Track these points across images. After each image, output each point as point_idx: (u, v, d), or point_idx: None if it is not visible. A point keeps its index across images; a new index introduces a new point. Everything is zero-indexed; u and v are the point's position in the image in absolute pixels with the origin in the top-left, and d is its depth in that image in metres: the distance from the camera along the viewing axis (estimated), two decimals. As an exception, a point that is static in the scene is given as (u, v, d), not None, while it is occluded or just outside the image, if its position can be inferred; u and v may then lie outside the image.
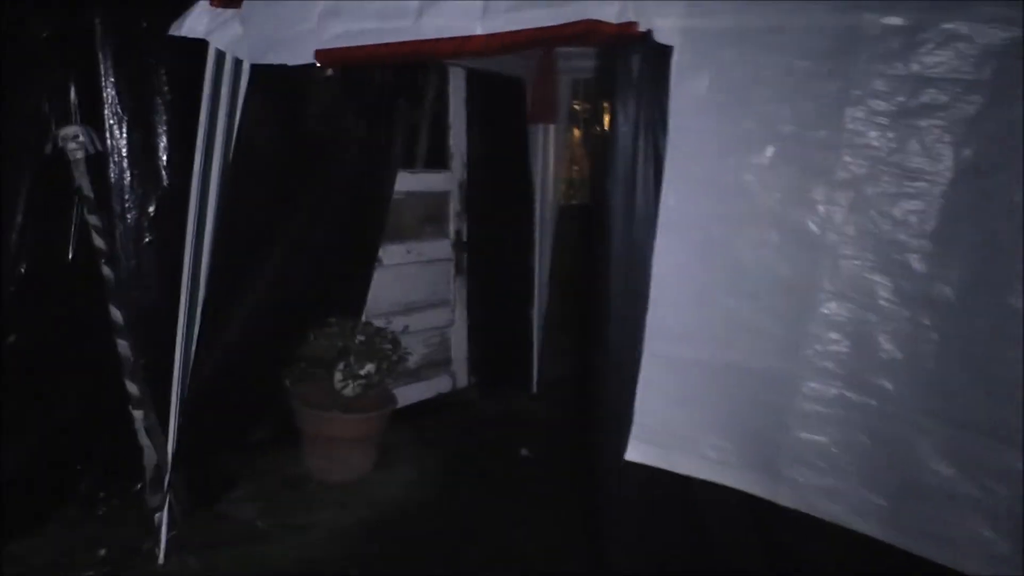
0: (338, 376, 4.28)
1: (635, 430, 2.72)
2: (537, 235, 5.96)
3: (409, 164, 5.36)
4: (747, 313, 2.54)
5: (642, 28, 2.53)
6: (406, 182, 5.18)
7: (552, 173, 5.95)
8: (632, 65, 2.60)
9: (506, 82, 5.57)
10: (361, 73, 4.04)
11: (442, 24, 2.84)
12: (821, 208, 2.40)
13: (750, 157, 2.48)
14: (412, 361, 5.20)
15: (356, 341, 4.41)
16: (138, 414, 3.62)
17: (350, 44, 3.02)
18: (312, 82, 3.75)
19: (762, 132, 2.46)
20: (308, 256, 4.13)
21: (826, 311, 2.41)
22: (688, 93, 2.55)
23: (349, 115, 4.06)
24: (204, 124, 3.35)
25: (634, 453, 2.73)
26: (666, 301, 2.66)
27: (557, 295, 6.15)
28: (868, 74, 2.31)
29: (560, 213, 6.07)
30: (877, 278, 2.34)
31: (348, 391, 4.33)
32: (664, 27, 2.52)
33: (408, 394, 5.31)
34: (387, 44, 2.96)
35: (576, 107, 6.29)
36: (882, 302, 2.32)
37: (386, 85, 4.24)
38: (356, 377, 4.26)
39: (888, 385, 2.33)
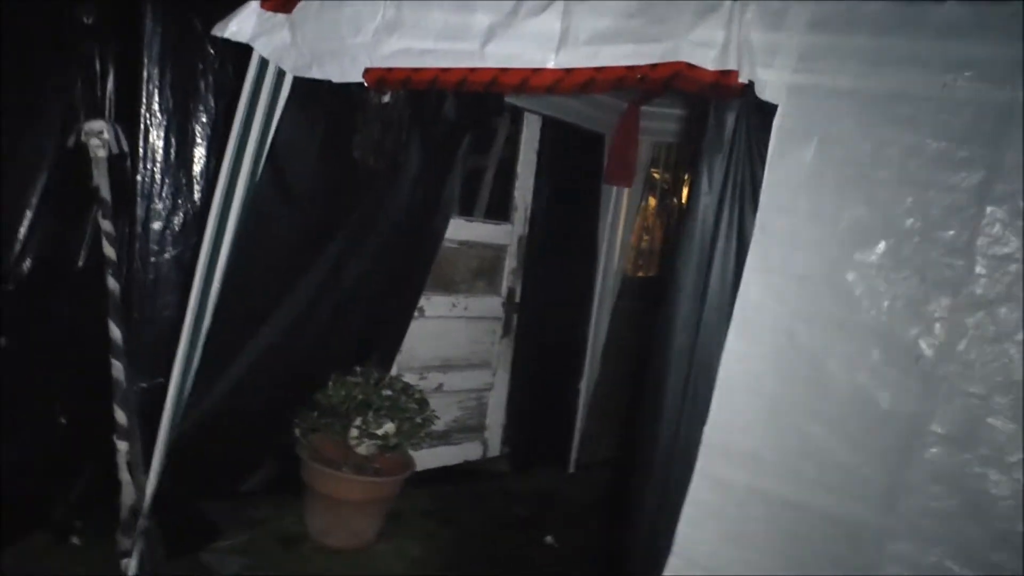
0: (353, 432, 3.86)
1: (673, 561, 2.24)
2: (595, 304, 5.51)
3: (467, 211, 4.99)
4: (830, 444, 2.06)
5: (743, 79, 2.10)
6: (461, 230, 4.80)
7: (620, 240, 5.51)
8: (726, 122, 2.18)
9: (583, 136, 5.18)
10: (427, 103, 3.67)
11: (511, 52, 2.44)
12: (940, 327, 1.93)
13: (857, 252, 2.02)
14: (443, 422, 4.79)
15: (380, 395, 3.99)
16: (123, 445, 3.24)
17: (404, 65, 2.65)
18: (366, 106, 3.39)
19: (875, 223, 2.00)
20: (338, 294, 3.76)
21: (932, 457, 1.92)
22: (789, 164, 2.11)
23: (405, 147, 3.69)
24: (236, 136, 3.00)
25: (669, 589, 2.25)
26: (730, 412, 2.20)
27: (609, 372, 5.66)
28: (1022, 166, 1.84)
29: (623, 284, 5.61)
30: (1005, 425, 1.84)
31: (362, 449, 3.90)
32: (769, 81, 2.09)
33: (433, 457, 4.89)
34: (445, 70, 2.58)
35: (656, 175, 5.84)
36: (1010, 459, 1.82)
37: (453, 121, 3.87)
38: (373, 436, 3.83)
39: (1009, 563, 1.82)
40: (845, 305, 2.02)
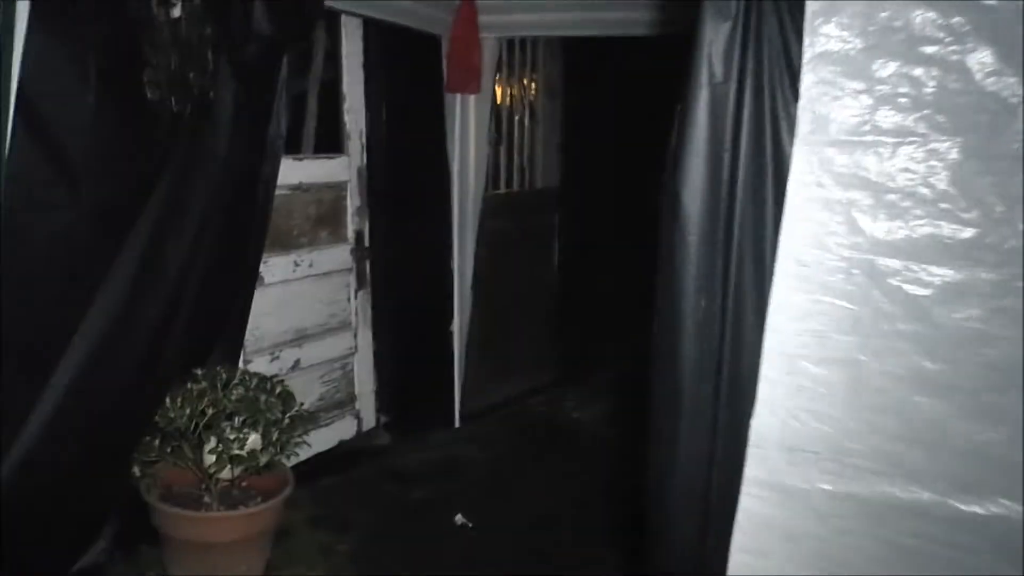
0: (210, 458, 2.99)
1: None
2: (456, 233, 4.76)
3: (293, 148, 4.06)
4: (953, 418, 1.44)
5: None
6: (292, 172, 3.91)
7: (474, 154, 4.75)
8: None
9: (415, 40, 4.34)
10: (232, 15, 2.73)
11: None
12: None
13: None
14: (309, 404, 3.95)
15: (232, 399, 3.12)
16: None
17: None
18: (152, 25, 2.42)
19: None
20: (161, 286, 2.82)
21: None
22: (842, 24, 1.43)
23: (214, 78, 2.75)
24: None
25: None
26: (791, 395, 1.54)
27: (484, 305, 4.97)
28: None
29: (486, 203, 4.88)
30: None
31: (226, 474, 3.05)
32: None
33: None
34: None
35: (503, 75, 5.06)
36: None
37: (268, 36, 2.94)
38: (237, 459, 2.98)
39: None
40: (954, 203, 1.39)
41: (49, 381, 2.42)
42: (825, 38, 1.43)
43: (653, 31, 4.14)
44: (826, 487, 1.54)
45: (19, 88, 2.01)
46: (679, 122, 1.56)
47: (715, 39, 1.51)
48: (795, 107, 1.46)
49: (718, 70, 1.51)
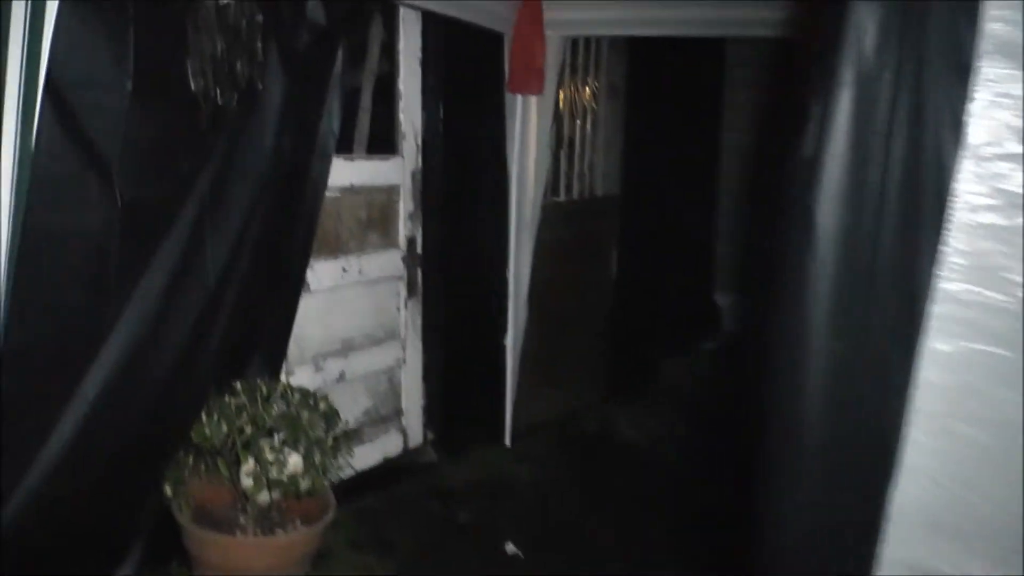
0: (247, 481, 2.77)
1: None
2: (513, 242, 4.51)
3: (345, 147, 3.84)
4: None
5: None
6: (343, 172, 3.69)
7: (534, 161, 4.50)
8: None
9: (477, 37, 4.11)
10: (283, 3, 2.51)
11: None
12: None
13: None
14: (353, 419, 3.78)
15: (272, 414, 2.90)
16: None
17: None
18: (197, 12, 2.21)
19: None
20: (198, 291, 2.62)
21: None
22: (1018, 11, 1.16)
23: (263, 69, 2.53)
24: None
25: None
26: (943, 458, 1.28)
27: (539, 318, 4.72)
28: None
29: (545, 211, 4.62)
30: None
31: (263, 497, 2.82)
32: None
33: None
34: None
35: (565, 76, 4.81)
36: None
37: (322, 25, 2.72)
38: (277, 483, 2.76)
39: None
40: None
41: (76, 392, 2.22)
42: (1006, 25, 1.16)
43: (730, 32, 3.88)
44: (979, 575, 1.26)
45: (48, 75, 1.81)
46: (815, 125, 1.30)
47: (866, 24, 1.24)
48: (964, 111, 1.19)
49: (868, 64, 1.24)
